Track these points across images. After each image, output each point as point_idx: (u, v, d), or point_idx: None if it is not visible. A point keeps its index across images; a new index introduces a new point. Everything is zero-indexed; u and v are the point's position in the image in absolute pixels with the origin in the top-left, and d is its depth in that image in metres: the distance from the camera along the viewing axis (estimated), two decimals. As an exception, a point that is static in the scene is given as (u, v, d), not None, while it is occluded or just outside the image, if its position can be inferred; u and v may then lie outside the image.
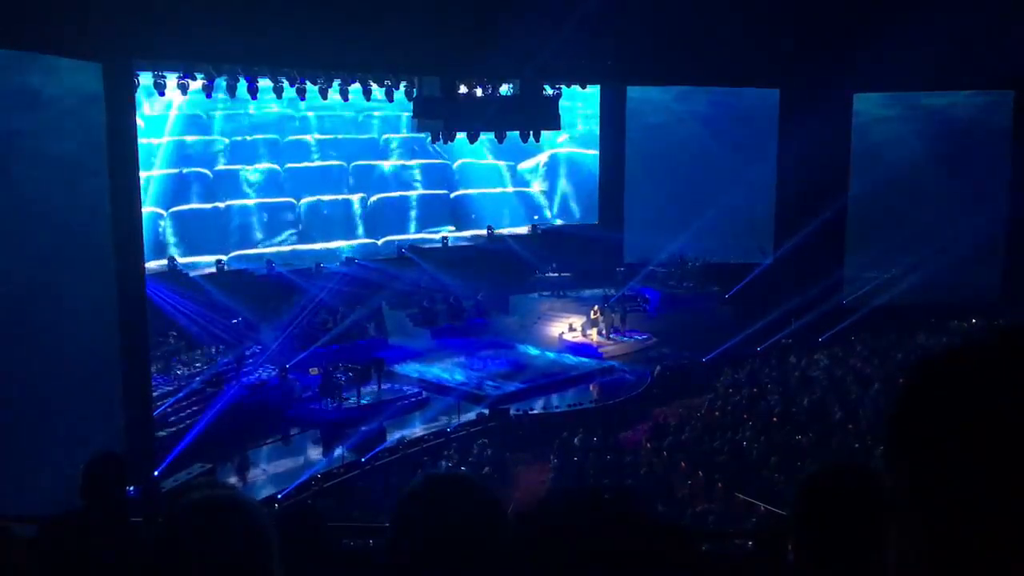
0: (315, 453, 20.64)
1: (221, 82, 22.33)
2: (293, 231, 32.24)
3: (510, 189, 36.54)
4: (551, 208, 36.42)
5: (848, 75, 26.88)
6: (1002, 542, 0.91)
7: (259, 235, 31.48)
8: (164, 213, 29.72)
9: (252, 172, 32.39)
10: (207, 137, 32.01)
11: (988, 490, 0.92)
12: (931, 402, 0.98)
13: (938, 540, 0.95)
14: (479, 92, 24.53)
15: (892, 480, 1.00)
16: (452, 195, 35.56)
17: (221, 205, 31.29)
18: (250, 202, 31.97)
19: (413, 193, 34.80)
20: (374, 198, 33.97)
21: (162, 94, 22.16)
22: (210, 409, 20.36)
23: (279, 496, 17.20)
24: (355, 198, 33.75)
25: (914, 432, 0.99)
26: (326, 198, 33.20)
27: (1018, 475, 0.91)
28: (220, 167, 32.00)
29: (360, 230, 33.19)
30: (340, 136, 34.39)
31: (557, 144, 36.19)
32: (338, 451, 19.96)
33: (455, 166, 36.03)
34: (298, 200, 32.71)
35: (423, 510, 1.88)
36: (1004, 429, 0.92)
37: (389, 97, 25.79)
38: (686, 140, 30.38)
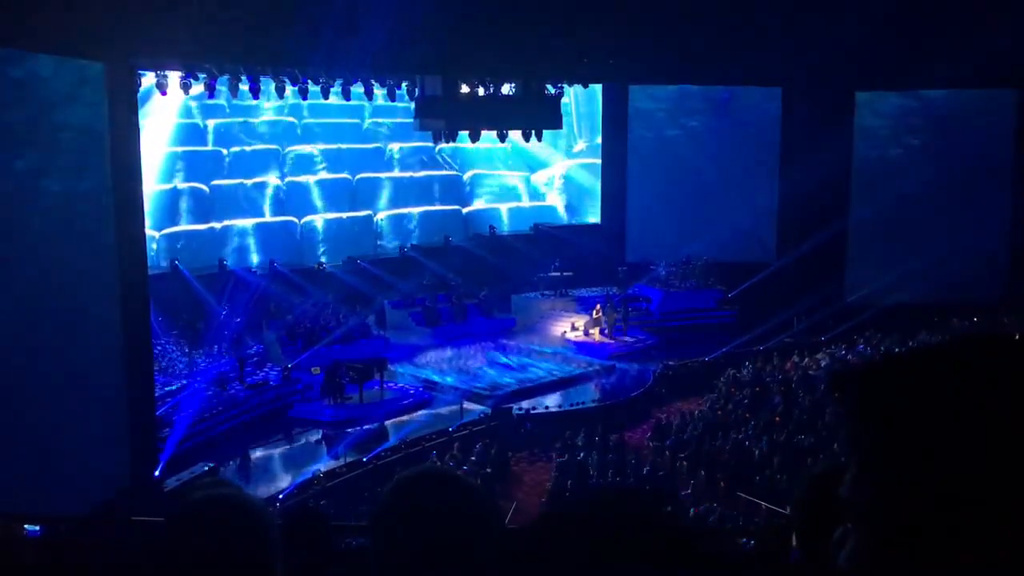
0: (317, 452, 20.66)
1: (223, 82, 22.27)
2: (295, 252, 30.32)
3: (525, 203, 34.92)
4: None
5: (850, 73, 26.88)
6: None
7: (256, 257, 29.40)
8: (156, 235, 27.23)
9: (251, 187, 30.58)
10: (204, 148, 30.35)
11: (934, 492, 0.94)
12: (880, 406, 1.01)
13: (891, 533, 0.98)
14: (481, 91, 24.53)
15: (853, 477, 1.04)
16: (464, 210, 33.92)
17: (217, 225, 29.36)
18: (248, 222, 30.03)
19: (423, 209, 33.02)
20: (381, 215, 32.41)
21: (164, 93, 22.11)
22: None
23: (280, 496, 17.21)
24: (361, 215, 32.12)
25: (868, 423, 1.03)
26: (330, 216, 31.48)
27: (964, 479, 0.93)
28: (217, 182, 30.14)
29: (366, 249, 31.27)
30: (344, 146, 32.71)
31: (574, 155, 35.40)
32: (340, 450, 19.98)
33: (466, 177, 34.50)
34: (300, 219, 30.99)
35: (402, 511, 1.85)
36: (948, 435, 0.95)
37: (391, 97, 25.81)
38: (688, 139, 30.35)
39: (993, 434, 0.92)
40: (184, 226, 28.97)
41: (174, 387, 21.36)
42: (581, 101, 34.43)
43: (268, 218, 30.64)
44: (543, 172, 35.48)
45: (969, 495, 0.92)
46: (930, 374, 0.98)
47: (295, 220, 31.10)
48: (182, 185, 29.33)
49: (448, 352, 26.30)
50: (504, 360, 25.86)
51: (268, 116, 31.63)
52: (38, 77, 15.23)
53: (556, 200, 35.25)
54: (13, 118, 14.60)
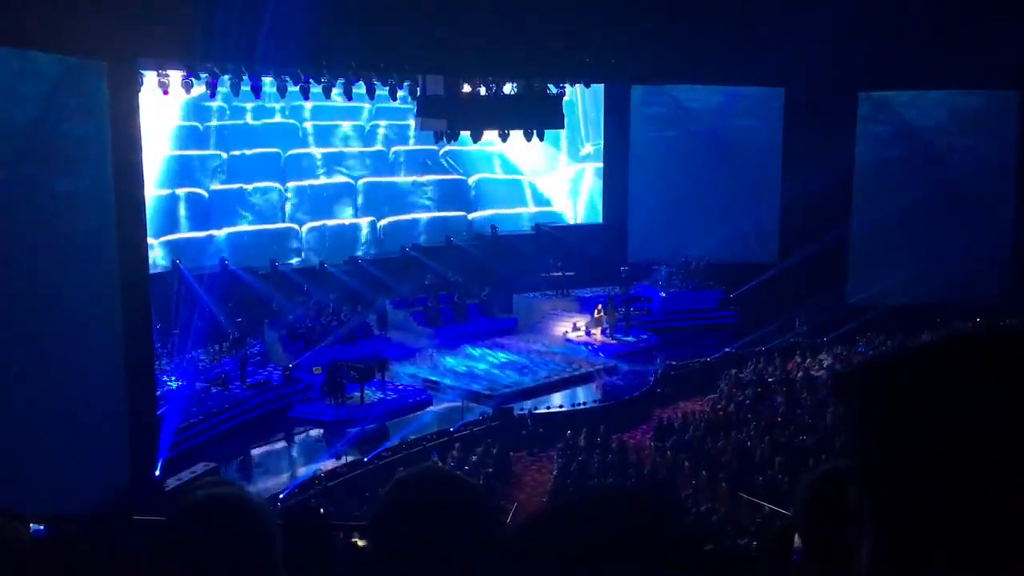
0: (318, 452, 20.66)
1: (224, 82, 22.25)
2: (297, 259, 29.88)
3: (531, 209, 34.40)
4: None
5: (853, 74, 26.87)
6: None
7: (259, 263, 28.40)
8: (155, 243, 26.09)
9: (251, 192, 30.11)
10: (203, 152, 29.91)
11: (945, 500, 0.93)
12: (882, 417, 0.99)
13: (898, 546, 0.97)
14: (483, 91, 24.54)
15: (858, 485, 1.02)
16: (470, 216, 33.37)
17: (216, 232, 28.80)
18: (248, 228, 29.56)
19: (427, 215, 32.53)
20: (384, 221, 31.84)
21: (166, 93, 22.11)
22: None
23: (281, 495, 17.22)
24: (363, 222, 31.65)
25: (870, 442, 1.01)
26: (331, 223, 30.97)
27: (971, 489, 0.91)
28: (216, 186, 29.68)
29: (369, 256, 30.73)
30: (346, 149, 32.38)
31: (581, 158, 34.93)
32: (341, 450, 19.98)
33: (471, 181, 33.98)
34: (300, 225, 30.56)
35: (402, 511, 1.84)
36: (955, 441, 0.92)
37: (392, 96, 25.82)
38: (691, 139, 30.30)
39: (998, 432, 0.90)
40: (183, 234, 28.60)
41: (174, 387, 21.39)
42: (588, 104, 34.27)
43: (268, 225, 30.36)
44: (549, 176, 35.26)
45: (977, 494, 0.90)
46: (932, 372, 0.97)
47: (296, 227, 30.93)
48: (180, 191, 29.05)
49: (448, 352, 26.36)
50: (505, 359, 25.88)
51: (268, 119, 31.45)
52: (42, 78, 15.23)
53: (564, 205, 34.96)
54: (17, 119, 14.60)
